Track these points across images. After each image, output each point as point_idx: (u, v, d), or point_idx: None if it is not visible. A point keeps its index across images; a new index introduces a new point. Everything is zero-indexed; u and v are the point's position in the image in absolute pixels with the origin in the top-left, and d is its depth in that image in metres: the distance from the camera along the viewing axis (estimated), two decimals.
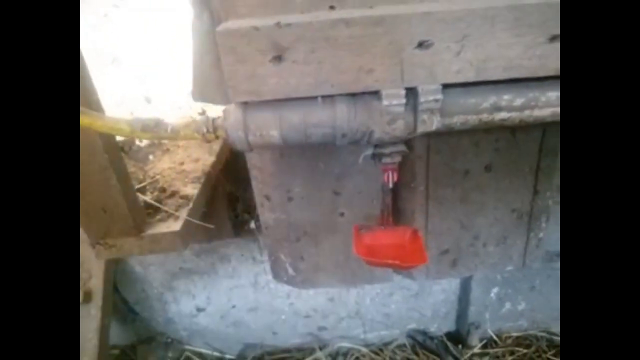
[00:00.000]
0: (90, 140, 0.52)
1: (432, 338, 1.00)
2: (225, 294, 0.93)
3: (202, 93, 0.50)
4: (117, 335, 0.98)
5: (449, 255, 0.62)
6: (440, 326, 1.00)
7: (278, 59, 0.38)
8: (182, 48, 0.83)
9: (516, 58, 0.39)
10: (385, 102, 0.39)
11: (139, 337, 1.01)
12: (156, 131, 0.44)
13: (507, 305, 0.95)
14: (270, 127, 0.41)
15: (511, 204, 0.58)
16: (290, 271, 0.64)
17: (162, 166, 0.77)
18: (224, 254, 0.88)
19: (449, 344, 0.97)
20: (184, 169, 0.75)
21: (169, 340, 1.02)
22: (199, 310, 0.96)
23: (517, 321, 0.98)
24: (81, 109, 0.44)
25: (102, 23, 0.94)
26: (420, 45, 0.37)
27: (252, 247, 0.87)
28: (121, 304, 0.95)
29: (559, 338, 0.95)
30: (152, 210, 0.65)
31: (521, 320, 0.98)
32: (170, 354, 1.03)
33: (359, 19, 0.37)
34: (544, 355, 0.91)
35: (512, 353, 0.92)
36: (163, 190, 0.69)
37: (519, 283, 0.92)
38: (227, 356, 1.00)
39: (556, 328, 0.96)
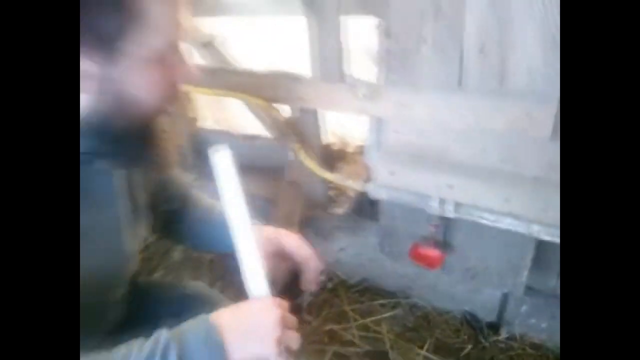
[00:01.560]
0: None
1: (477, 320, 1.50)
2: (359, 247, 1.61)
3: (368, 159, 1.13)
4: None
5: (470, 272, 1.15)
6: (485, 316, 1.49)
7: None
8: None
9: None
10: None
11: None
12: (344, 184, 1.09)
13: (533, 320, 1.39)
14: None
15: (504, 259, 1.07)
16: (387, 250, 1.26)
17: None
18: (362, 227, 1.54)
19: (485, 328, 1.47)
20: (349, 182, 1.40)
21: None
22: (341, 250, 1.66)
23: (539, 334, 1.40)
24: (313, 164, 1.12)
25: None
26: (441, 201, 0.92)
27: (377, 230, 1.51)
28: None
29: None
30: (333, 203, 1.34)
31: (542, 334, 1.40)
32: (322, 275, 1.78)
33: None
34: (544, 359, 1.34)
35: (523, 349, 1.37)
36: (338, 190, 1.37)
37: (542, 309, 1.34)
38: (350, 281, 1.70)
39: None
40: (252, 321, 0.57)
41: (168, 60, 0.55)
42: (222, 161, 0.59)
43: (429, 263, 1.06)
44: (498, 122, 0.85)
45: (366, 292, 1.64)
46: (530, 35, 0.78)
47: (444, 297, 1.52)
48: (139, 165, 0.65)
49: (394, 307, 1.56)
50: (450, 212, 0.94)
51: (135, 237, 0.69)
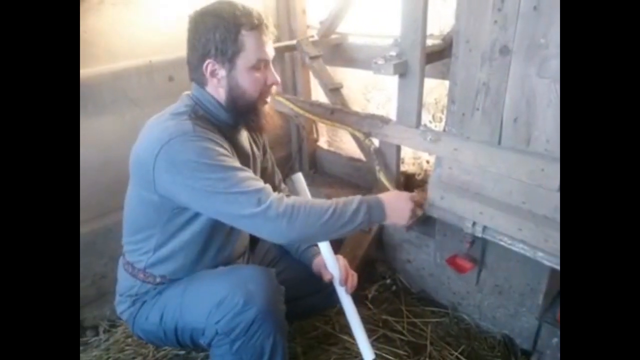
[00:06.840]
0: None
1: (513, 345, 1.73)
2: (422, 261, 1.95)
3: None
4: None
5: (498, 288, 1.44)
6: (521, 342, 1.72)
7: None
8: None
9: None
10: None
11: None
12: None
13: None
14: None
15: (524, 281, 1.35)
16: (439, 262, 1.61)
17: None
18: (426, 244, 1.89)
19: (519, 353, 1.69)
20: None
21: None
22: (408, 261, 2.02)
23: None
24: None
25: None
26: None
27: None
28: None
29: None
30: None
31: None
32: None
33: None
34: None
35: None
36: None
37: None
38: (411, 289, 2.04)
39: None
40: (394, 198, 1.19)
41: (261, 70, 1.10)
42: (299, 179, 1.23)
43: (459, 269, 1.39)
44: (522, 173, 1.19)
45: (422, 300, 1.98)
46: (548, 114, 1.12)
47: (486, 318, 1.79)
48: (253, 129, 1.23)
49: (442, 316, 1.87)
50: (479, 232, 1.28)
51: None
